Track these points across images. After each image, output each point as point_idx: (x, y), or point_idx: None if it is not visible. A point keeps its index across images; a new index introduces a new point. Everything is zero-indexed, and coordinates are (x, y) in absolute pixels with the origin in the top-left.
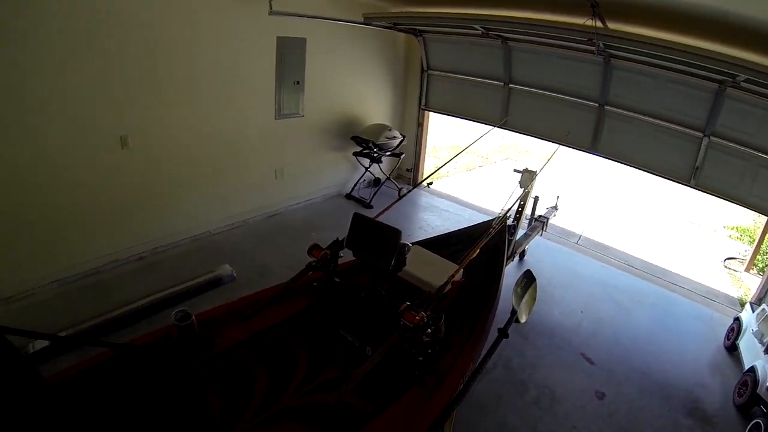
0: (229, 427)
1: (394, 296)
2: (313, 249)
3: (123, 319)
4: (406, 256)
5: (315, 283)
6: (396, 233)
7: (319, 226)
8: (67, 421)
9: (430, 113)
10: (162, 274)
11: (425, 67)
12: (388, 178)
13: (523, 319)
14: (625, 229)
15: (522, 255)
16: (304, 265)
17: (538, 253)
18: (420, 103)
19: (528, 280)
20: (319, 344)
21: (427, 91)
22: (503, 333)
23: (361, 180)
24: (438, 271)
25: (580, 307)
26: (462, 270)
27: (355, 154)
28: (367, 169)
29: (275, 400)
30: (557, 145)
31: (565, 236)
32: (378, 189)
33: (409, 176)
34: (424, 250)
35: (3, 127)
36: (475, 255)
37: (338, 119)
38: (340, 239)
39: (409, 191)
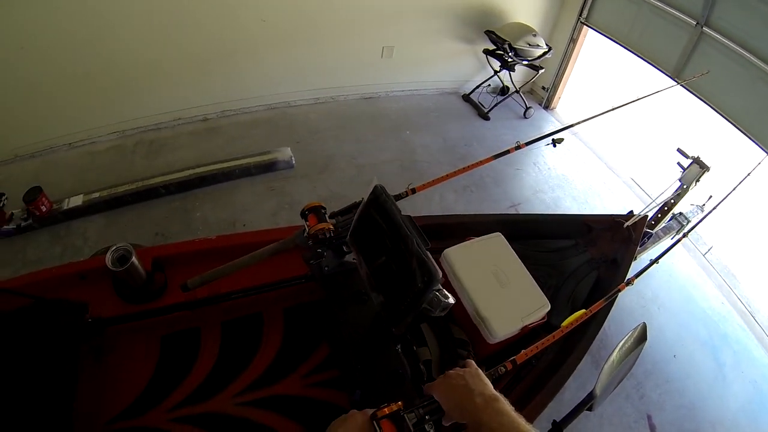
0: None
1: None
2: (310, 213)
3: (157, 189)
4: (434, 312)
5: (320, 250)
6: (430, 275)
7: (417, 125)
8: None
9: (590, 31)
10: (220, 141)
11: None
12: (517, 91)
13: (596, 408)
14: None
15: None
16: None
17: (655, 254)
18: (580, 15)
19: (636, 341)
20: (300, 334)
21: (593, 2)
22: (558, 430)
23: (486, 83)
24: (511, 301)
25: (675, 350)
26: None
27: (486, 52)
28: (496, 72)
29: (206, 395)
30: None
31: (694, 241)
32: (503, 100)
33: (543, 96)
34: (508, 247)
35: None
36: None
37: (473, 4)
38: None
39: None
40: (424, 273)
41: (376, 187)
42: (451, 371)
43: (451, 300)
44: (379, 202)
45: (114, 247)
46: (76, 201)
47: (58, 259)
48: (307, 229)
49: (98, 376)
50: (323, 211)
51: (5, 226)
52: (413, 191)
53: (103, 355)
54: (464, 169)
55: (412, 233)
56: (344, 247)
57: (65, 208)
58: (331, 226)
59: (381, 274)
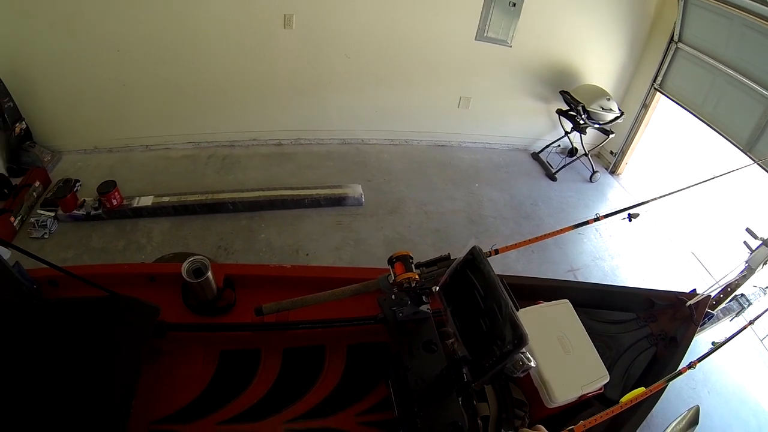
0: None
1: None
2: (397, 261)
3: (225, 204)
4: (515, 373)
5: (393, 296)
6: (521, 339)
7: (486, 179)
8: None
9: (662, 98)
10: (292, 167)
11: (676, 38)
12: (585, 154)
13: None
14: None
15: None
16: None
17: (712, 334)
18: (654, 81)
19: (688, 424)
20: (360, 373)
21: (667, 68)
22: None
23: (556, 143)
24: (573, 368)
25: None
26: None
27: (559, 112)
28: (566, 133)
29: (258, 416)
30: None
31: (754, 328)
32: (571, 162)
33: (610, 160)
34: (574, 314)
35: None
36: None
37: (549, 63)
38: (449, 257)
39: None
40: (515, 336)
41: (473, 248)
42: (522, 430)
43: (533, 364)
44: (476, 263)
45: (191, 258)
46: (146, 201)
47: (120, 252)
48: (393, 276)
49: (152, 376)
50: (411, 260)
51: (76, 211)
52: (496, 252)
53: (160, 357)
54: (545, 236)
55: (506, 296)
56: (423, 297)
57: (134, 205)
58: (417, 276)
59: (469, 330)
